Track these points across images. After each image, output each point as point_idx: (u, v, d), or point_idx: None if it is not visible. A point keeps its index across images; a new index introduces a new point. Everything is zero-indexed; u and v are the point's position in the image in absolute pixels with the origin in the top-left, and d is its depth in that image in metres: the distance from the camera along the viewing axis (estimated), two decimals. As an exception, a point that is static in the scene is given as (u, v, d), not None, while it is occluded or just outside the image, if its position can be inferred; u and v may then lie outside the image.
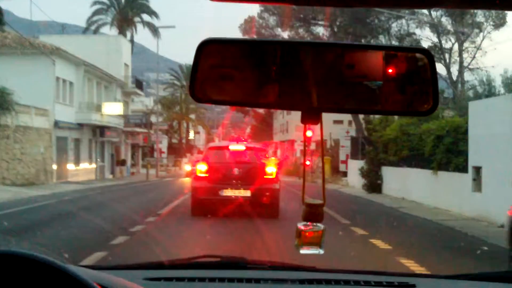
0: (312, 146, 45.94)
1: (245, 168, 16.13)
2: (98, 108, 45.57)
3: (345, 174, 40.32)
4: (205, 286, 2.74)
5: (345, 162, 40.95)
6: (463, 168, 18.87)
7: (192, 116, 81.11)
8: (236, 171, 16.00)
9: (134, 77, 56.87)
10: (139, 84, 57.80)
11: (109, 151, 50.53)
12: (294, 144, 72.96)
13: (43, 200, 22.47)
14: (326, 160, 42.27)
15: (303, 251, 1.91)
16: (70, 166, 40.65)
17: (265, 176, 15.97)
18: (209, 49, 1.67)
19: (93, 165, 45.80)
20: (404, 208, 20.80)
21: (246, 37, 41.46)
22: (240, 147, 16.87)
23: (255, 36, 45.93)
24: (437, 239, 13.56)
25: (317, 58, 1.67)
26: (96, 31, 62.41)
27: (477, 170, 17.82)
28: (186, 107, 77.62)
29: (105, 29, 62.03)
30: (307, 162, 45.54)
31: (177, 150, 76.27)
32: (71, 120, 40.94)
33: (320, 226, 1.88)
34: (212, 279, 2.75)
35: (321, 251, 1.91)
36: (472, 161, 18.16)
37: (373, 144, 29.88)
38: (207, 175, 16.05)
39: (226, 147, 17.29)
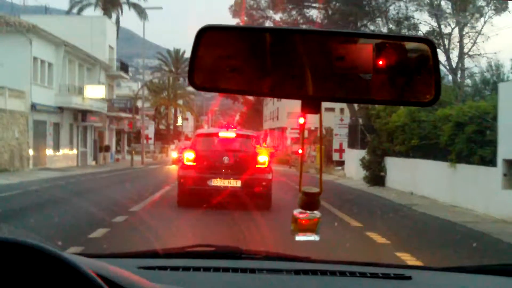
0: (305, 134, 44.17)
1: (235, 157, 15.35)
2: (80, 91, 43.82)
3: (338, 163, 38.29)
4: (200, 276, 2.64)
5: (338, 151, 38.97)
6: (489, 161, 16.27)
7: (180, 101, 79.69)
8: (225, 159, 15.23)
9: (119, 60, 54.72)
10: (124, 67, 55.78)
11: (92, 137, 48.73)
12: (285, 132, 71.35)
13: (5, 190, 19.87)
14: (319, 149, 40.43)
15: (299, 237, 1.91)
16: (49, 152, 38.72)
17: (256, 166, 15.24)
18: (208, 36, 1.63)
19: (75, 151, 43.85)
20: (417, 205, 18.25)
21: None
22: (230, 134, 15.83)
23: (245, 19, 45.12)
24: (479, 252, 10.90)
25: (321, 47, 1.62)
26: (79, 12, 60.07)
27: (509, 163, 15.22)
28: (174, 93, 76.17)
29: (89, 11, 59.64)
30: (300, 151, 44.00)
31: (164, 137, 75.27)
32: (50, 103, 38.96)
33: (316, 213, 1.88)
34: (206, 269, 2.69)
35: (317, 238, 1.91)
36: (502, 153, 15.44)
37: (376, 132, 27.23)
38: (194, 163, 15.25)
39: (216, 134, 16.29)
